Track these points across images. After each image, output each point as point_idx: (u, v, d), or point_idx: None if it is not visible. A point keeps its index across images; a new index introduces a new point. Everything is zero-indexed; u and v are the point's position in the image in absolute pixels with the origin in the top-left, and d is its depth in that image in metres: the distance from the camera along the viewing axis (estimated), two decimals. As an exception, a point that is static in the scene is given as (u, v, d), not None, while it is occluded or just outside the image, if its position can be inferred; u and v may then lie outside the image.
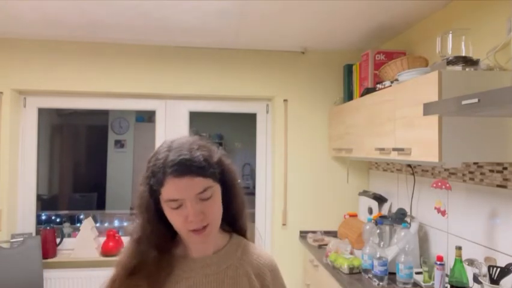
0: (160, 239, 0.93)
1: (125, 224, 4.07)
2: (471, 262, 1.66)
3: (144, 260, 0.91)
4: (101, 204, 5.20)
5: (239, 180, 1.02)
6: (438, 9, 2.23)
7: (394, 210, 2.52)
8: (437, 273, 1.80)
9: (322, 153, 3.16)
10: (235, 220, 1.03)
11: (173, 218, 0.89)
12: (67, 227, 3.20)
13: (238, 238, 1.04)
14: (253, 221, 3.28)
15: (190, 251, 0.97)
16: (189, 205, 0.86)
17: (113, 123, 5.47)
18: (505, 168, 1.71)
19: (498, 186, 1.75)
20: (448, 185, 1.90)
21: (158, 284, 0.91)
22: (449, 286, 1.72)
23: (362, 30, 2.67)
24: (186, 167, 0.86)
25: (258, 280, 0.98)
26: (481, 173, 1.86)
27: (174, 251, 0.98)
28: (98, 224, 3.90)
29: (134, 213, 0.95)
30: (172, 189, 0.86)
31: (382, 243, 2.22)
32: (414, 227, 2.17)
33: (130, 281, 0.91)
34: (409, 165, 2.49)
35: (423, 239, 2.28)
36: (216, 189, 0.91)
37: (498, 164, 1.75)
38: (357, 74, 2.76)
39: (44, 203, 3.86)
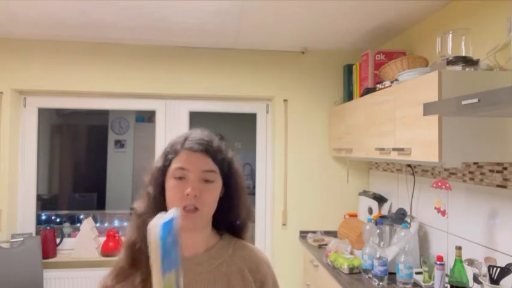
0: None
1: (125, 224, 4.07)
2: (471, 262, 1.66)
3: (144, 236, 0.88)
4: (101, 204, 5.20)
5: (246, 189, 1.04)
6: (438, 9, 2.23)
7: (394, 210, 2.52)
8: (437, 273, 1.80)
9: (322, 153, 3.15)
10: (238, 228, 1.05)
11: (173, 191, 0.93)
12: (66, 227, 3.20)
13: (229, 237, 1.05)
14: (253, 221, 3.28)
15: (181, 248, 0.95)
16: (192, 178, 0.92)
17: (113, 123, 5.46)
18: (505, 168, 1.71)
19: (498, 186, 1.75)
20: (448, 185, 1.90)
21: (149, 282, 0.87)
22: (449, 286, 1.72)
23: (362, 30, 2.67)
24: (202, 145, 0.95)
25: (251, 274, 0.99)
26: (481, 173, 1.86)
27: None
28: (98, 224, 3.89)
29: (142, 190, 1.00)
30: (183, 159, 0.94)
31: (382, 243, 2.22)
32: (414, 227, 2.17)
33: (129, 271, 0.93)
34: (409, 165, 2.49)
35: (423, 239, 2.28)
36: (218, 182, 0.96)
37: (498, 164, 1.75)
38: (357, 74, 2.76)
39: (44, 203, 3.86)
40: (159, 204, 0.95)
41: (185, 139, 0.98)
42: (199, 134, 1.00)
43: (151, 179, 0.99)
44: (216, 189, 0.96)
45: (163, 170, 0.96)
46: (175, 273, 0.80)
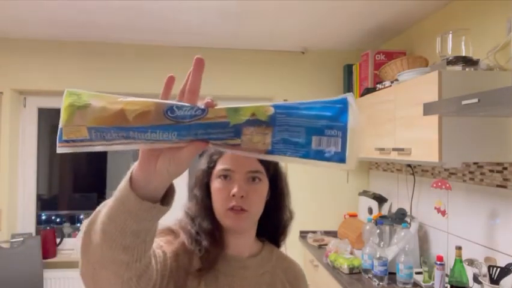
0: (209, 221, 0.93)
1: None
2: (471, 262, 1.66)
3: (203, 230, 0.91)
4: (101, 204, 5.20)
5: (290, 192, 1.05)
6: (438, 9, 2.23)
7: (394, 210, 2.52)
8: (437, 273, 1.80)
9: (322, 153, 3.15)
10: (279, 233, 1.05)
11: (218, 192, 0.91)
12: (66, 227, 3.20)
13: (270, 245, 1.04)
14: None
15: (227, 248, 0.93)
16: (237, 178, 0.89)
17: (113, 123, 5.46)
18: (505, 168, 1.71)
19: (498, 186, 1.75)
20: (448, 185, 1.90)
21: (204, 270, 0.87)
22: (449, 286, 1.72)
23: (362, 30, 2.67)
24: None
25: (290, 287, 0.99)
26: (481, 173, 1.86)
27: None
28: (98, 224, 3.89)
29: (189, 193, 0.99)
30: (228, 159, 0.91)
31: (382, 243, 2.22)
32: (414, 227, 2.17)
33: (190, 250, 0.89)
34: (409, 165, 2.49)
35: (423, 239, 2.28)
36: (264, 182, 0.94)
37: (498, 164, 1.75)
38: (357, 74, 2.76)
39: (44, 203, 3.85)
40: (207, 206, 0.93)
41: None
42: None
43: (196, 181, 0.97)
44: (263, 189, 0.93)
45: (208, 172, 0.94)
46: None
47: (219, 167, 0.92)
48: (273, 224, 1.01)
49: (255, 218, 0.94)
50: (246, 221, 0.91)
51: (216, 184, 0.92)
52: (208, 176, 0.95)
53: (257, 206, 0.92)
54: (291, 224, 1.04)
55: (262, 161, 0.92)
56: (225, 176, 0.90)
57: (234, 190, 0.88)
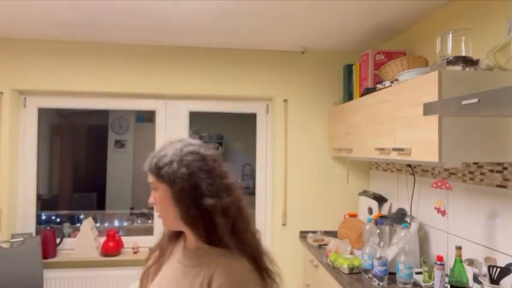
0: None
1: (125, 224, 4.07)
2: (471, 262, 1.66)
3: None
4: (101, 204, 5.19)
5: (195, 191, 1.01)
6: (438, 9, 2.23)
7: (394, 210, 2.52)
8: (437, 273, 1.80)
9: (322, 153, 3.15)
10: (196, 228, 1.04)
11: None
12: (66, 227, 3.20)
13: (222, 250, 1.02)
14: (253, 221, 3.27)
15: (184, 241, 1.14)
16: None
17: (113, 123, 5.46)
18: (505, 168, 1.71)
19: (498, 186, 1.75)
20: (448, 185, 1.90)
21: (163, 258, 1.16)
22: (449, 286, 1.72)
23: (362, 30, 2.67)
24: (147, 164, 1.07)
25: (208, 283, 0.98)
26: (481, 173, 1.86)
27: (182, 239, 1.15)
28: (98, 224, 3.90)
29: None
30: None
31: (382, 243, 2.22)
32: (414, 227, 2.17)
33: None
34: (409, 165, 2.49)
35: (423, 239, 2.28)
36: (161, 189, 1.04)
37: (498, 164, 1.75)
38: (357, 74, 2.76)
39: (44, 203, 3.86)
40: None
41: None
42: (159, 150, 1.08)
43: None
44: (160, 195, 1.05)
45: None
46: None
47: None
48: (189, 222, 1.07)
49: (168, 220, 1.08)
50: (163, 222, 1.10)
51: None
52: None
53: (161, 209, 1.06)
54: (213, 216, 1.00)
55: (153, 171, 1.04)
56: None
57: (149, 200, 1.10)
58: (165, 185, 1.02)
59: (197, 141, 1.08)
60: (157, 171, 1.02)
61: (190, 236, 1.07)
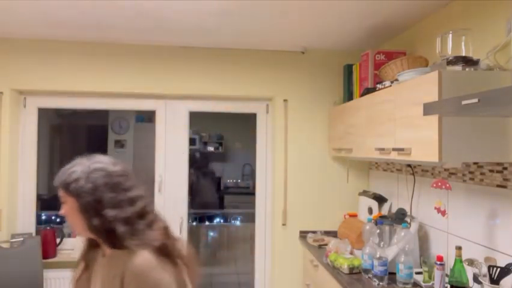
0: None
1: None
2: (471, 262, 1.66)
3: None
4: (101, 204, 5.19)
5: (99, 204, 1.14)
6: (438, 9, 2.23)
7: (394, 210, 2.52)
8: (437, 273, 1.80)
9: (322, 153, 3.16)
10: (102, 237, 1.16)
11: None
12: (66, 227, 3.19)
13: (128, 251, 1.13)
14: (253, 221, 3.28)
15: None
16: None
17: (113, 123, 5.46)
18: (505, 168, 1.71)
19: (498, 186, 1.75)
20: (448, 185, 1.90)
21: (89, 268, 1.26)
22: (449, 286, 1.72)
23: (362, 30, 2.67)
24: (56, 179, 1.18)
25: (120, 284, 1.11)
26: (481, 173, 1.86)
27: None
28: (98, 224, 3.89)
29: None
30: None
31: (382, 243, 2.22)
32: (414, 227, 2.17)
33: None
34: (409, 165, 2.49)
35: (423, 239, 2.28)
36: (68, 202, 1.15)
37: (498, 164, 1.75)
38: (357, 74, 2.76)
39: (44, 203, 3.85)
40: None
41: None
42: (68, 167, 1.18)
43: None
44: (67, 208, 1.16)
45: None
46: None
47: None
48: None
49: (78, 229, 1.19)
50: (75, 231, 1.24)
51: None
52: None
53: (71, 220, 1.18)
54: (112, 226, 1.13)
55: (63, 186, 1.15)
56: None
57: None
58: (73, 198, 1.14)
59: (106, 159, 1.21)
60: (66, 186, 1.14)
61: (101, 243, 1.19)
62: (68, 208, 1.16)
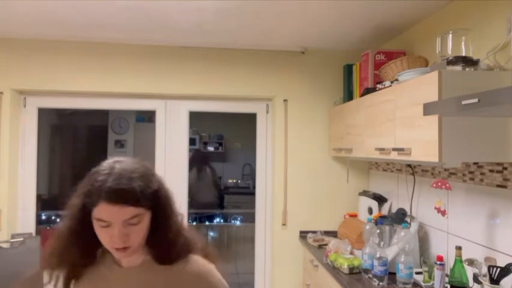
0: (80, 247, 1.01)
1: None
2: (471, 262, 1.66)
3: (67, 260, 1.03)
4: (101, 204, 5.20)
5: (177, 208, 1.05)
6: (438, 9, 2.23)
7: (394, 210, 2.52)
8: (437, 273, 1.80)
9: (322, 153, 3.15)
10: (164, 249, 1.02)
11: (100, 234, 0.96)
12: (66, 227, 3.19)
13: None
14: (253, 221, 3.28)
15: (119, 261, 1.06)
16: (116, 228, 0.93)
17: (113, 123, 5.46)
18: (505, 168, 1.71)
19: (498, 186, 1.75)
20: (448, 185, 1.90)
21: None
22: (449, 286, 1.72)
23: (362, 30, 2.67)
24: (121, 197, 0.91)
25: None
26: (481, 173, 1.86)
27: (103, 258, 1.07)
28: (98, 224, 3.89)
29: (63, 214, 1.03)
30: (102, 212, 0.92)
31: (382, 243, 2.22)
32: (414, 227, 2.17)
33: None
34: (409, 165, 2.49)
35: (423, 239, 2.28)
36: (145, 216, 0.97)
37: (498, 164, 1.75)
38: (357, 74, 2.76)
39: (44, 203, 3.85)
40: (75, 236, 1.00)
41: (101, 187, 0.92)
42: (117, 177, 0.93)
43: (69, 212, 1.01)
44: (143, 226, 0.96)
45: (85, 211, 0.97)
46: None
47: (96, 215, 0.94)
48: (158, 241, 1.02)
49: (139, 247, 1.00)
50: (131, 253, 0.98)
51: (97, 226, 0.95)
52: (85, 214, 0.97)
53: (138, 239, 0.97)
54: (181, 238, 1.04)
55: (138, 203, 0.93)
56: (104, 226, 0.94)
57: (114, 239, 0.93)
58: (148, 210, 0.96)
59: (135, 159, 1.04)
60: (139, 197, 0.93)
61: (136, 256, 1.03)
62: (144, 225, 0.95)
